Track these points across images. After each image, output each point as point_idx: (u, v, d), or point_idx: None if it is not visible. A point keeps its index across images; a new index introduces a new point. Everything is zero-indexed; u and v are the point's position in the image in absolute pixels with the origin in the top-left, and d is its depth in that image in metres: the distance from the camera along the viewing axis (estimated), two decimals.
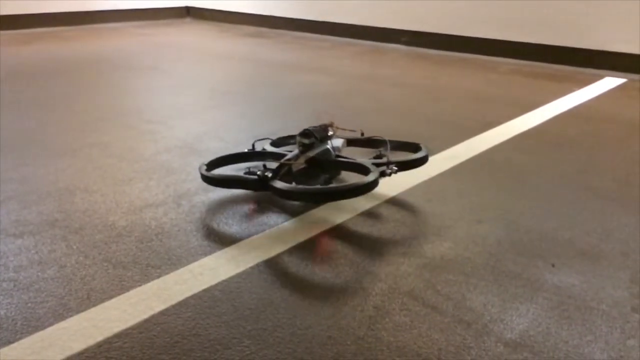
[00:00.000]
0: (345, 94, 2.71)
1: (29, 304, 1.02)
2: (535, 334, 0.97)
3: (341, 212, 1.42)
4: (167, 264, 1.17)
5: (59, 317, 0.99)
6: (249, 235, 1.30)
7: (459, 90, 2.85)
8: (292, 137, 1.69)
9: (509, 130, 2.16)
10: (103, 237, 1.27)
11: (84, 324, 0.98)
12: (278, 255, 1.21)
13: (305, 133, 1.51)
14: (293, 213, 1.42)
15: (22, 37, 4.02)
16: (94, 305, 1.03)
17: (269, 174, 1.38)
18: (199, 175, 1.64)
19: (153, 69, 3.17)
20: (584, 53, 3.35)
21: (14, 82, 2.69)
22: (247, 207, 1.44)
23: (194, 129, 2.13)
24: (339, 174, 1.58)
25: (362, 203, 1.48)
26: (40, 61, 3.18)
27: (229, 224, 1.35)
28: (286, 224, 1.36)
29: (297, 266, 1.17)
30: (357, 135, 1.69)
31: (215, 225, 1.35)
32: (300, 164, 1.48)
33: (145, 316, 1.00)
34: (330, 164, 1.52)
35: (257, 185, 1.39)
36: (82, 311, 1.01)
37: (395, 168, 1.44)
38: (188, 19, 5.22)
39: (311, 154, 1.49)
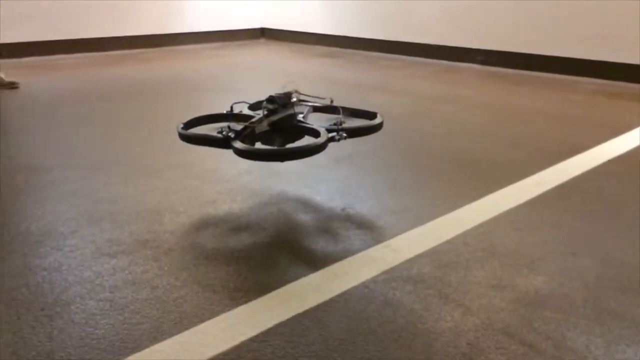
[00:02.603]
0: (418, 115, 2.68)
1: (125, 325, 1.05)
2: None
3: (427, 239, 1.39)
4: (255, 289, 1.18)
5: (154, 339, 1.01)
6: (334, 261, 1.29)
7: (539, 111, 2.76)
8: None
9: (597, 155, 2.06)
10: (192, 259, 1.30)
11: (177, 348, 0.99)
12: (364, 283, 1.20)
13: (270, 99, 1.60)
14: (377, 238, 1.40)
15: (105, 59, 4.23)
16: (186, 329, 1.04)
17: (232, 135, 1.51)
18: (282, 198, 1.66)
19: (229, 90, 3.25)
20: None
21: (98, 102, 2.82)
22: (331, 232, 1.44)
23: None
24: (301, 137, 1.63)
25: (447, 230, 1.44)
26: (121, 82, 3.33)
27: (314, 250, 1.35)
28: (370, 250, 1.35)
29: (384, 295, 1.15)
30: (327, 103, 1.79)
31: (300, 251, 1.35)
32: (263, 127, 1.57)
33: (235, 342, 1.01)
34: (290, 128, 1.62)
35: (221, 143, 1.52)
36: (175, 334, 1.03)
37: (345, 135, 1.55)
38: (262, 40, 5.34)
39: (274, 118, 1.58)
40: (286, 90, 1.63)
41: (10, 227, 1.44)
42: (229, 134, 1.51)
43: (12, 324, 1.04)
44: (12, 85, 3.10)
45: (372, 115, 1.74)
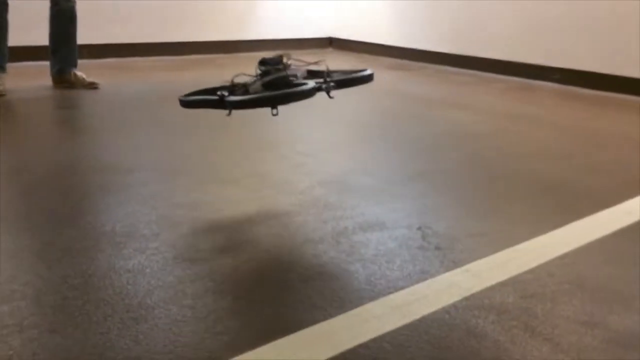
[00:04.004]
0: (492, 134, 2.61)
1: (207, 334, 1.06)
2: None
3: (508, 266, 1.34)
4: (332, 306, 1.17)
5: (238, 350, 1.01)
6: (411, 283, 1.26)
7: (620, 135, 2.63)
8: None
9: None
10: (268, 272, 1.30)
11: None
12: (445, 309, 1.16)
13: (262, 61, 1.67)
14: (455, 261, 1.36)
15: (181, 63, 4.35)
16: (264, 343, 1.04)
17: (226, 93, 1.58)
18: (356, 213, 1.64)
19: None
20: None
21: (172, 105, 2.90)
22: (407, 252, 1.41)
23: (345, 163, 2.15)
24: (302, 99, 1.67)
25: (529, 258, 1.39)
26: (195, 86, 3.40)
27: (391, 269, 1.33)
28: (450, 273, 1.31)
29: (466, 323, 1.11)
30: (323, 68, 1.78)
31: (376, 268, 1.33)
32: (257, 87, 1.62)
33: None
34: (282, 87, 1.64)
35: (218, 104, 1.59)
36: (255, 348, 1.03)
37: (333, 84, 1.62)
38: (330, 49, 5.37)
39: (267, 78, 1.63)
40: (278, 53, 1.72)
41: (97, 226, 1.49)
42: (224, 93, 1.60)
43: (100, 324, 1.07)
44: (93, 86, 3.23)
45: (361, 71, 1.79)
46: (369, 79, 1.76)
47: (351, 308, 1.16)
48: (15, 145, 2.25)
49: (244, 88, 1.63)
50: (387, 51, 4.93)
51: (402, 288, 1.24)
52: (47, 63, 3.27)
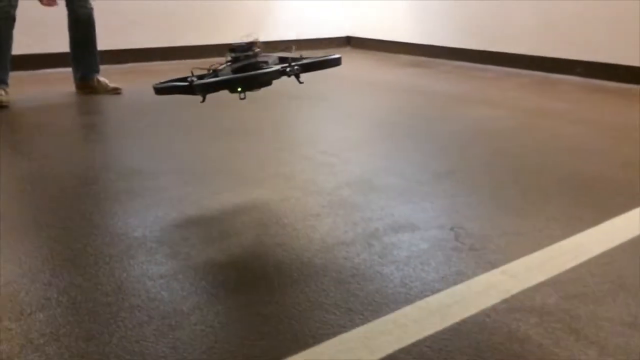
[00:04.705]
0: (518, 130, 2.56)
1: (247, 342, 1.04)
2: None
3: (547, 266, 1.31)
4: (368, 310, 1.15)
5: (276, 356, 0.99)
6: (448, 286, 1.24)
7: None
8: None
9: None
10: (301, 275, 1.28)
11: None
12: (484, 312, 1.14)
13: (232, 48, 1.72)
14: (492, 262, 1.33)
15: (200, 66, 4.35)
16: (302, 349, 1.02)
17: (195, 79, 1.63)
18: (385, 214, 1.62)
19: (319, 98, 3.26)
20: None
21: (193, 108, 2.89)
22: (442, 253, 1.38)
23: (369, 162, 2.12)
24: (270, 84, 1.72)
25: (568, 258, 1.35)
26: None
27: (425, 271, 1.30)
28: (487, 275, 1.28)
29: (507, 326, 1.08)
30: (292, 54, 1.82)
31: (410, 271, 1.30)
32: (226, 73, 1.68)
33: None
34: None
35: (187, 89, 1.63)
36: (293, 354, 1.01)
37: (297, 67, 1.68)
38: (348, 49, 5.34)
39: (236, 65, 1.68)
40: (249, 39, 1.74)
41: (128, 231, 1.49)
42: (193, 79, 1.65)
43: (135, 331, 1.07)
44: (116, 91, 3.25)
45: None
46: (335, 62, 1.82)
47: (388, 312, 1.14)
48: (41, 151, 2.26)
49: (214, 74, 1.70)
50: (405, 48, 4.89)
51: (439, 290, 1.22)
52: (69, 69, 3.29)
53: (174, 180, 1.90)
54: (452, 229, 1.52)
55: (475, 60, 4.37)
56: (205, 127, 2.59)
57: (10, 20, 2.91)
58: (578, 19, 3.75)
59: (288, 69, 1.67)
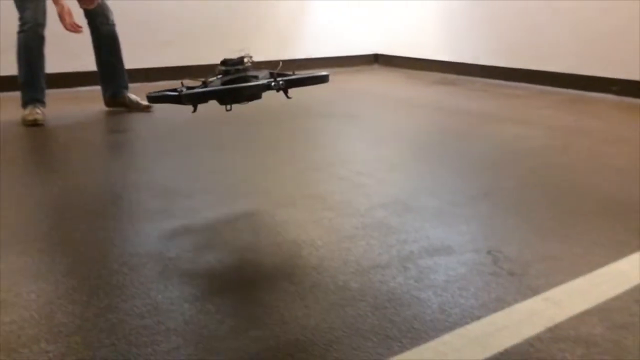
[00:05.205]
0: (555, 149, 2.51)
1: None
2: None
3: (591, 294, 1.26)
4: (407, 337, 1.12)
5: None
6: (488, 313, 1.20)
7: None
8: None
9: None
10: (337, 299, 1.26)
11: None
12: (528, 341, 1.10)
13: (223, 62, 1.78)
14: (533, 288, 1.29)
15: None
16: None
17: (184, 90, 1.68)
18: (420, 237, 1.59)
19: (349, 116, 3.25)
20: None
21: (222, 127, 2.92)
22: (480, 278, 1.35)
23: (404, 183, 2.10)
24: (259, 97, 1.81)
25: (612, 285, 1.30)
26: (242, 107, 3.43)
27: (464, 296, 1.27)
28: (528, 301, 1.24)
29: (552, 357, 1.04)
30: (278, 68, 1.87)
31: (449, 296, 1.27)
32: (216, 85, 1.74)
33: None
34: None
35: (176, 99, 1.68)
36: None
37: (282, 83, 1.74)
38: (375, 66, 5.34)
39: (226, 78, 1.75)
40: (241, 54, 1.81)
41: (164, 252, 1.49)
42: (183, 89, 1.70)
43: (170, 354, 1.05)
44: (147, 109, 3.29)
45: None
46: (322, 79, 1.88)
47: (427, 340, 1.11)
48: (75, 169, 2.30)
49: (203, 85, 1.76)
50: (434, 66, 4.87)
51: (479, 318, 1.19)
52: (99, 87, 3.34)
53: (207, 199, 1.90)
54: (489, 252, 1.49)
55: (506, 78, 4.32)
56: (237, 145, 2.60)
57: (39, 39, 2.94)
58: (613, 36, 3.69)
59: (272, 84, 1.73)
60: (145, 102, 3.28)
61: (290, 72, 1.86)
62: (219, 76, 1.77)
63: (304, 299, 1.26)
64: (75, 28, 2.90)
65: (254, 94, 1.77)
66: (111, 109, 3.31)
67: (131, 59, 3.42)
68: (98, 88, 3.38)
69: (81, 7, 3.04)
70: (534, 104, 3.58)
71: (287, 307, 1.23)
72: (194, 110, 1.70)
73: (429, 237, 1.59)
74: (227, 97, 1.74)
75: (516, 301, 1.25)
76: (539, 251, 1.50)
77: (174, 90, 1.73)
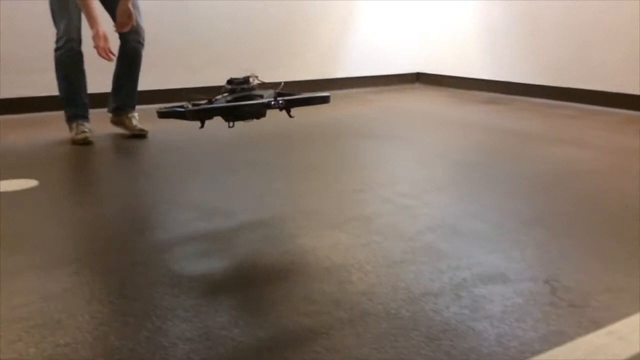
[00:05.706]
0: (608, 172, 2.42)
1: None
2: None
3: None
4: None
5: None
6: (549, 346, 1.14)
7: None
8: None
9: None
10: (389, 328, 1.23)
11: None
12: None
13: (229, 81, 1.86)
14: (595, 322, 1.23)
15: None
16: None
17: (190, 106, 1.76)
18: (472, 263, 1.55)
19: (392, 137, 3.22)
20: None
21: (261, 147, 2.92)
22: (538, 309, 1.29)
23: (450, 206, 2.05)
24: (263, 115, 1.85)
25: None
26: (282, 126, 3.42)
27: (522, 328, 1.21)
28: (592, 336, 1.18)
29: None
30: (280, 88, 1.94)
31: (506, 328, 1.22)
32: (221, 103, 1.80)
33: None
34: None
35: (182, 114, 1.77)
36: None
37: (282, 102, 1.78)
38: (417, 85, 5.30)
39: (230, 97, 1.82)
40: (247, 74, 1.89)
41: (215, 273, 1.48)
42: (189, 106, 1.78)
43: None
44: (141, 132, 3.14)
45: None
46: (323, 100, 1.93)
47: None
48: (122, 191, 2.33)
49: (209, 102, 1.84)
50: (477, 85, 4.80)
51: (540, 352, 1.13)
52: (146, 106, 3.35)
53: (252, 221, 1.89)
54: (547, 281, 1.43)
55: (554, 97, 4.21)
56: (280, 166, 2.60)
57: (75, 55, 2.90)
58: None
59: (272, 103, 1.78)
60: (140, 126, 3.18)
61: (295, 93, 1.92)
62: (225, 94, 1.85)
63: (355, 327, 1.23)
64: (107, 55, 2.87)
65: (259, 112, 1.82)
66: (112, 123, 3.22)
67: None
68: (144, 107, 3.42)
69: (116, 31, 3.02)
70: (586, 125, 3.48)
71: (339, 336, 1.20)
72: (202, 126, 1.78)
73: (481, 264, 1.54)
74: (230, 114, 1.80)
75: (578, 335, 1.19)
76: (600, 281, 1.43)
77: (182, 106, 1.82)
